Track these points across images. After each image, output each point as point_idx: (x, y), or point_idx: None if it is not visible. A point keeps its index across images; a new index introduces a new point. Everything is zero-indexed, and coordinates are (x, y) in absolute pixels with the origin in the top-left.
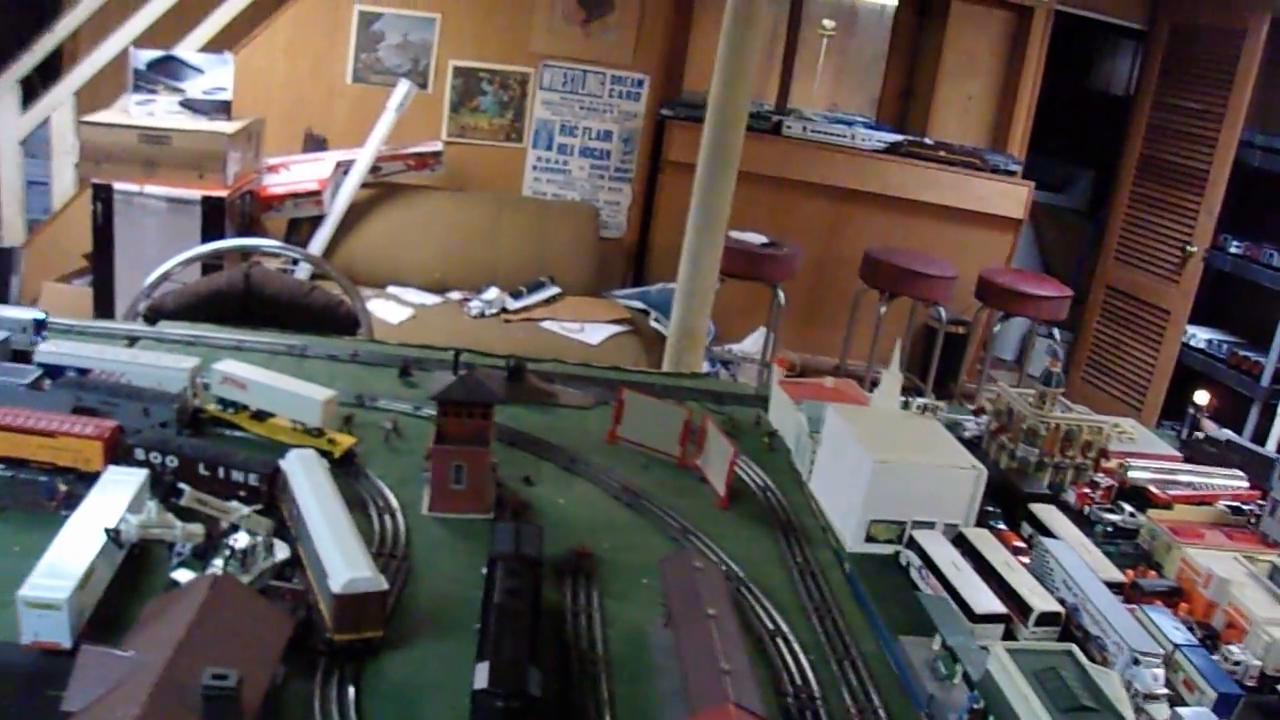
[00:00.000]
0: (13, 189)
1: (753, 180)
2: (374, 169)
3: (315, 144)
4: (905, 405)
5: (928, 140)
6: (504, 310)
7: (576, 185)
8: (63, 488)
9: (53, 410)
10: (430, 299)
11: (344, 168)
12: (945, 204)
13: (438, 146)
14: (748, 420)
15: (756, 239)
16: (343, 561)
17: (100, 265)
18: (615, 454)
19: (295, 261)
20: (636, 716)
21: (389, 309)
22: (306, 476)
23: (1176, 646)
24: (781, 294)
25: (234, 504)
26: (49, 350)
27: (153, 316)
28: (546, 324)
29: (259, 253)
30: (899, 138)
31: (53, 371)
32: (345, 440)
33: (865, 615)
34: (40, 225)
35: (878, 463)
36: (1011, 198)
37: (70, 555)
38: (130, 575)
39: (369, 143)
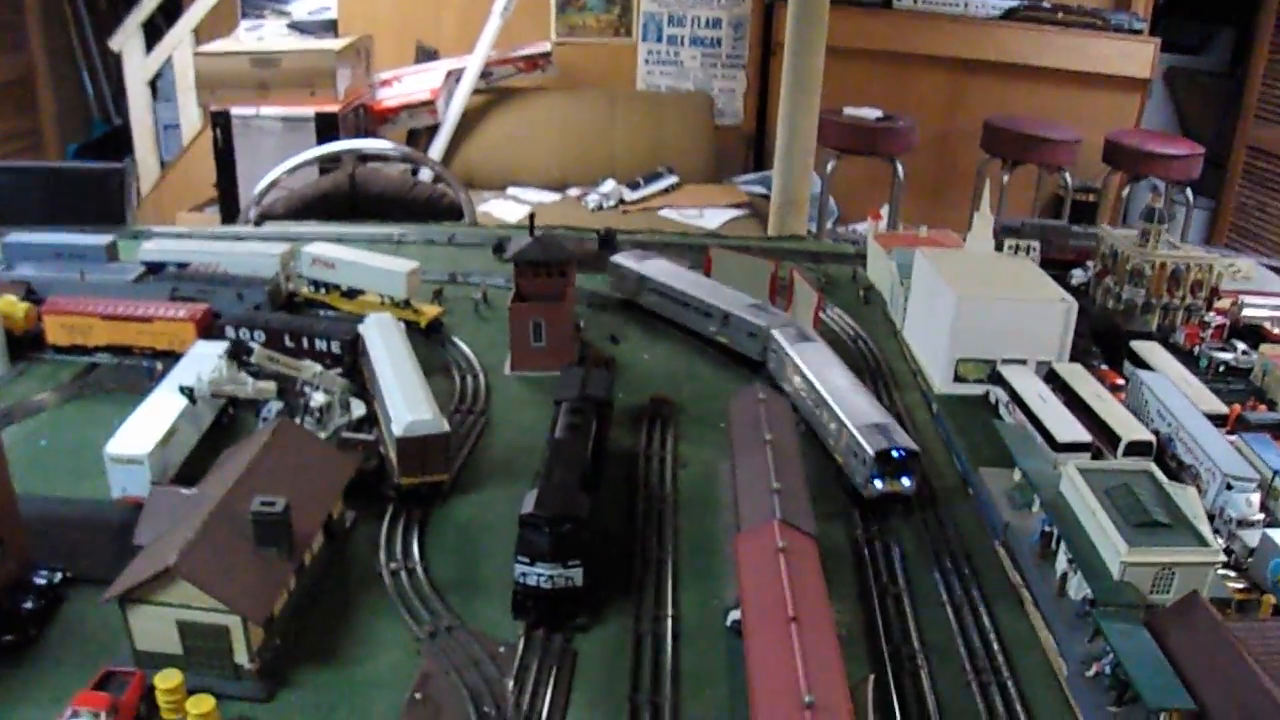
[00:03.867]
0: (144, 128)
1: (866, 56)
2: (485, 74)
3: (426, 56)
4: (999, 248)
5: (1045, 4)
6: (622, 202)
7: (690, 75)
8: (159, 368)
9: (152, 300)
10: (549, 196)
11: (455, 76)
12: (1067, 68)
13: (546, 47)
14: (844, 277)
15: (871, 113)
16: (406, 407)
17: (225, 187)
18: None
19: (415, 170)
20: (700, 548)
21: (508, 209)
22: (381, 337)
23: (1276, 473)
24: (900, 168)
25: (306, 362)
26: (151, 248)
27: (261, 221)
28: (665, 212)
29: (363, 154)
30: (1015, 2)
31: (154, 268)
32: (430, 310)
33: (949, 451)
34: (171, 162)
35: (962, 298)
36: (1136, 58)
37: (153, 416)
38: (222, 438)
39: (477, 49)
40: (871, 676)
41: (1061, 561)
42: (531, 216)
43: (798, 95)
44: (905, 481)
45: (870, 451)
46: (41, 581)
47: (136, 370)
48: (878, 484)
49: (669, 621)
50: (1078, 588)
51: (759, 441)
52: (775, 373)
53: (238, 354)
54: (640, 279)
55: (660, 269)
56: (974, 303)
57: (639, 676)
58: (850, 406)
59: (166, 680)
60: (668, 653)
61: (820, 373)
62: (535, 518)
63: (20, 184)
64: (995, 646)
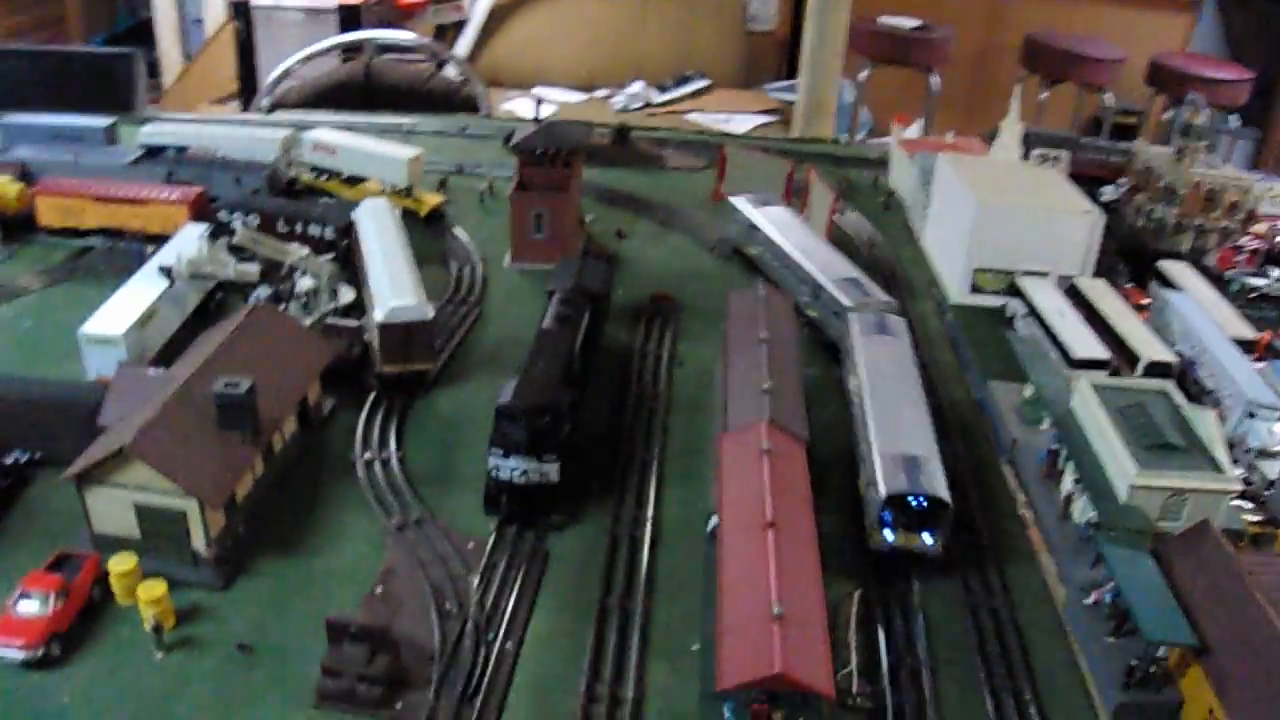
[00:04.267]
0: (168, 21)
1: None
2: None
3: None
4: (1026, 157)
5: None
6: (649, 104)
7: None
8: (150, 250)
9: (146, 183)
10: (575, 96)
11: None
12: None
13: None
14: (865, 182)
15: (908, 23)
16: (391, 293)
17: (246, 80)
18: (718, 211)
19: (441, 64)
20: (689, 450)
21: (533, 108)
22: (374, 223)
23: None
24: (936, 80)
25: (293, 246)
26: (150, 131)
27: (273, 110)
28: (692, 116)
29: (380, 45)
30: None
31: (153, 152)
32: (432, 199)
33: (960, 363)
34: (195, 55)
35: (982, 205)
36: None
37: (132, 298)
38: (209, 323)
39: None
40: (857, 592)
41: (1068, 482)
42: (538, 103)
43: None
44: (926, 538)
45: (881, 492)
46: (8, 462)
47: (128, 254)
48: (888, 535)
49: (648, 525)
50: (1083, 510)
51: (754, 341)
52: (844, 361)
53: (219, 235)
54: (750, 227)
55: (777, 218)
56: (994, 210)
57: (611, 580)
58: (888, 428)
59: (120, 564)
60: (644, 557)
61: (876, 377)
62: (511, 409)
63: (27, 68)
64: (992, 566)
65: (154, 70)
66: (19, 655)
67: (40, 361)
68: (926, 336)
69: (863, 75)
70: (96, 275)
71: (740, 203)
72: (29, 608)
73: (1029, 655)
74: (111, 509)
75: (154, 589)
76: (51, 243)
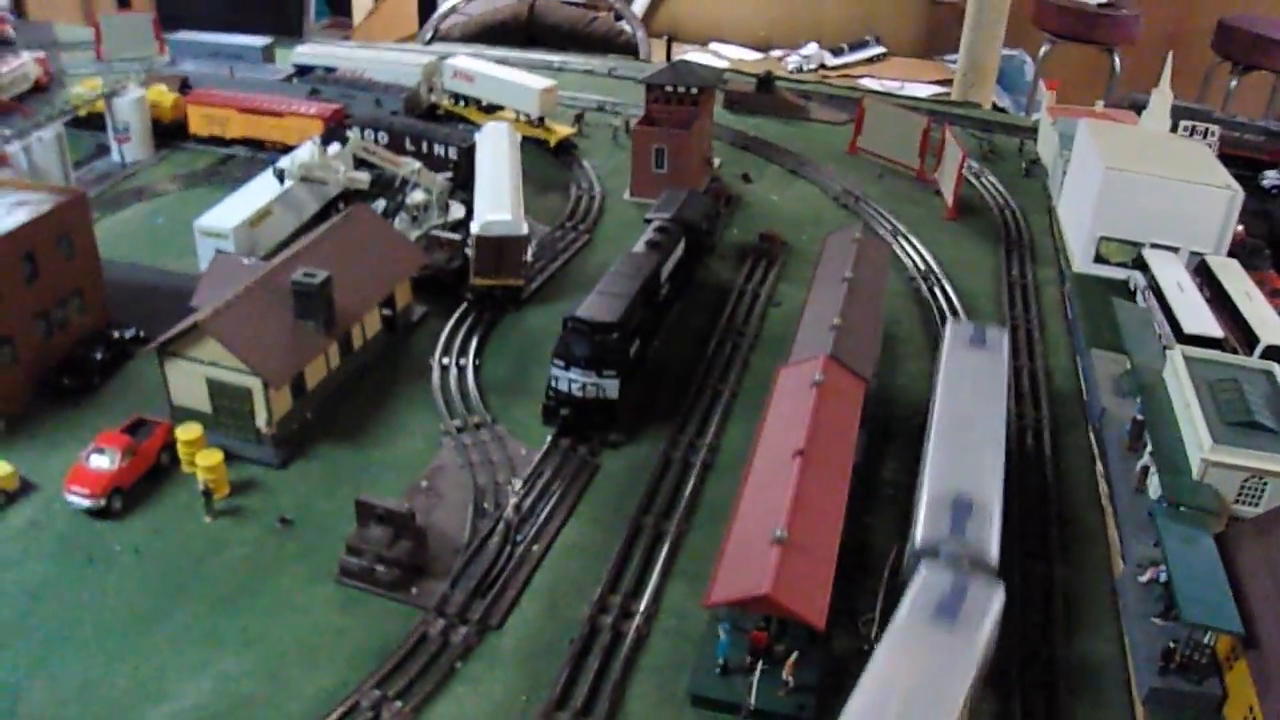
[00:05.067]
0: None
1: None
2: None
3: None
4: (1175, 130)
5: None
6: (822, 66)
7: None
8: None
9: (289, 97)
10: (750, 54)
11: None
12: None
13: None
14: (1010, 148)
15: None
16: (489, 208)
17: (425, 19)
18: (852, 164)
19: (616, 14)
20: (762, 382)
21: (707, 63)
22: (491, 144)
23: None
24: (1118, 60)
25: (406, 159)
26: (302, 51)
27: (432, 40)
28: (865, 81)
29: None
30: None
31: (304, 71)
32: (562, 130)
33: (1069, 331)
34: None
35: (1110, 171)
36: None
37: (248, 197)
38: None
39: None
40: (896, 547)
41: (1147, 454)
42: (670, 40)
43: None
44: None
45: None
46: (115, 336)
47: (266, 163)
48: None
49: (704, 452)
50: (1158, 485)
51: (838, 279)
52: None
53: (328, 141)
54: None
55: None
56: (1124, 177)
57: (653, 500)
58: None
59: (187, 432)
60: (690, 482)
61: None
62: (577, 322)
63: None
64: (1054, 534)
65: (347, 9)
66: (85, 503)
67: (165, 254)
68: (1040, 304)
69: (1043, 50)
70: (234, 181)
71: None
72: (99, 462)
73: (1073, 628)
74: (187, 382)
75: (210, 457)
76: (199, 150)
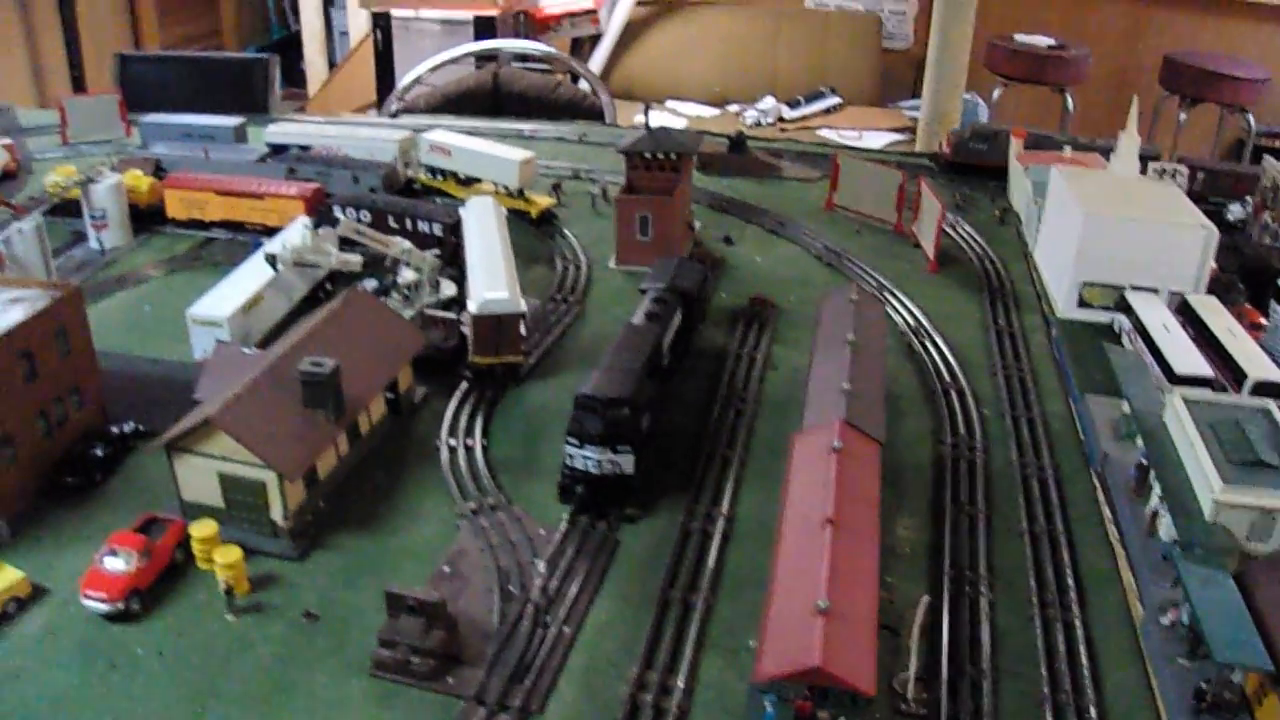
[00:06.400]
0: (314, 32)
1: None
2: None
3: None
4: (1143, 171)
5: None
6: (780, 119)
7: None
8: (265, 242)
9: (266, 179)
10: (708, 110)
11: None
12: (1262, 0)
13: None
14: (983, 196)
15: (1043, 41)
16: (484, 285)
17: (383, 89)
18: (830, 221)
19: (575, 78)
20: (771, 450)
21: (665, 121)
22: (478, 219)
23: None
24: (1070, 99)
25: (396, 238)
26: (274, 130)
27: (399, 114)
28: (824, 132)
29: (509, 54)
30: None
31: (278, 150)
32: (543, 201)
33: (1061, 377)
34: (338, 65)
35: (1090, 217)
36: None
37: (239, 283)
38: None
39: None
40: (926, 599)
41: (1154, 499)
42: (647, 109)
43: (952, 9)
44: None
45: None
46: (114, 432)
47: (247, 246)
48: None
49: (721, 521)
50: (1169, 528)
51: (841, 342)
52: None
53: (324, 225)
54: None
55: None
56: (1102, 222)
57: (678, 573)
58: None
59: (201, 529)
60: (712, 553)
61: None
62: (589, 399)
63: (169, 72)
64: (1069, 582)
65: (301, 80)
66: (102, 607)
67: (155, 342)
68: (1028, 352)
69: (996, 93)
70: (215, 265)
71: None
72: (114, 564)
73: (1099, 674)
74: (198, 477)
75: (229, 554)
76: (177, 234)
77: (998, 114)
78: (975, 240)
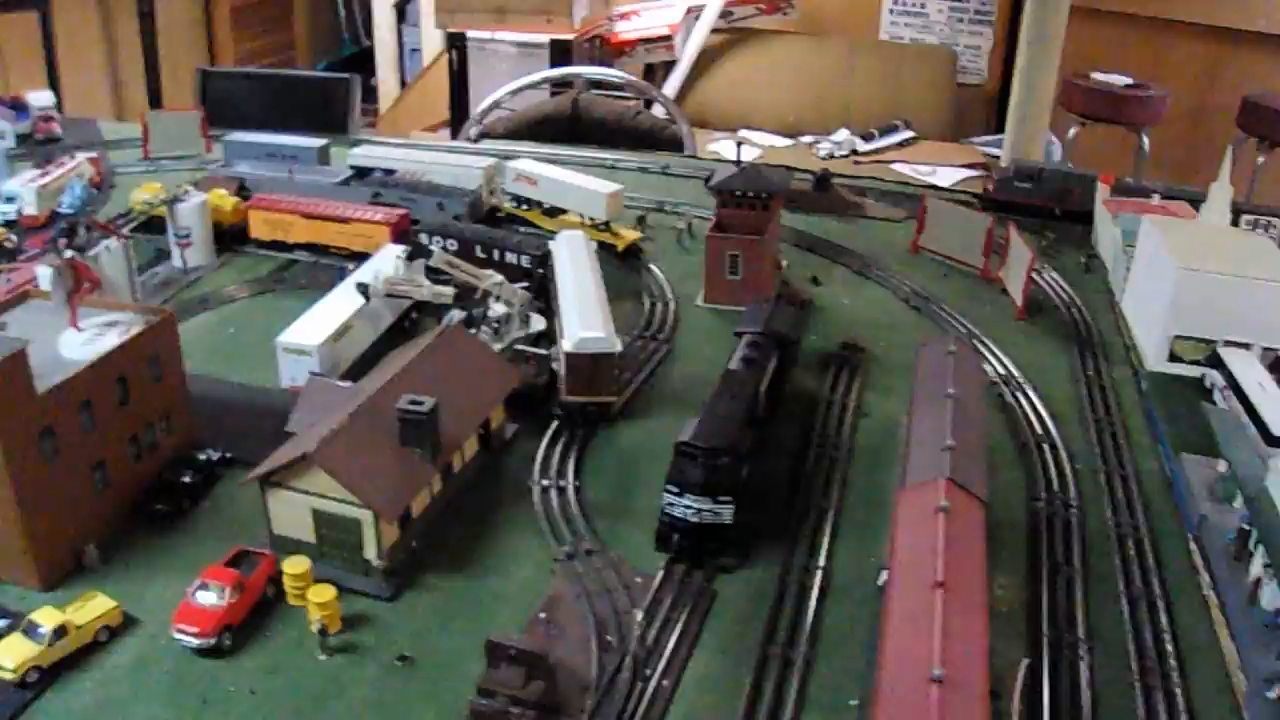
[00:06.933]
0: (387, 49)
1: (1122, 20)
2: (725, 14)
3: None
4: (1235, 222)
5: None
6: (854, 152)
7: (935, 28)
8: (351, 268)
9: (352, 203)
10: (781, 140)
11: (695, 13)
12: None
13: None
14: (1070, 240)
15: (1120, 80)
16: (579, 324)
17: (456, 109)
18: (916, 263)
19: (649, 103)
20: (867, 501)
21: (734, 149)
22: (569, 254)
23: None
24: (1146, 140)
25: (488, 272)
26: (359, 153)
27: (480, 139)
28: (897, 166)
29: (588, 81)
30: None
31: (362, 173)
32: (630, 235)
33: (1152, 433)
34: (410, 83)
35: (1184, 270)
36: None
37: (329, 312)
38: (403, 341)
39: None
40: (1025, 662)
41: (1257, 566)
42: (739, 145)
43: (1037, 51)
44: None
45: None
46: (202, 458)
47: (330, 270)
48: None
49: (819, 574)
50: (1272, 597)
51: (941, 395)
52: None
53: (417, 256)
54: None
55: None
56: (1197, 277)
57: (776, 627)
58: None
59: (294, 566)
60: (810, 606)
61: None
62: (690, 447)
63: (249, 89)
64: (1169, 648)
65: (372, 96)
66: (194, 642)
67: (240, 366)
68: (1120, 405)
69: (1072, 132)
70: (299, 288)
71: None
72: (206, 598)
73: None
74: (290, 512)
75: (324, 593)
76: (260, 255)
77: (1073, 152)
78: (1061, 287)
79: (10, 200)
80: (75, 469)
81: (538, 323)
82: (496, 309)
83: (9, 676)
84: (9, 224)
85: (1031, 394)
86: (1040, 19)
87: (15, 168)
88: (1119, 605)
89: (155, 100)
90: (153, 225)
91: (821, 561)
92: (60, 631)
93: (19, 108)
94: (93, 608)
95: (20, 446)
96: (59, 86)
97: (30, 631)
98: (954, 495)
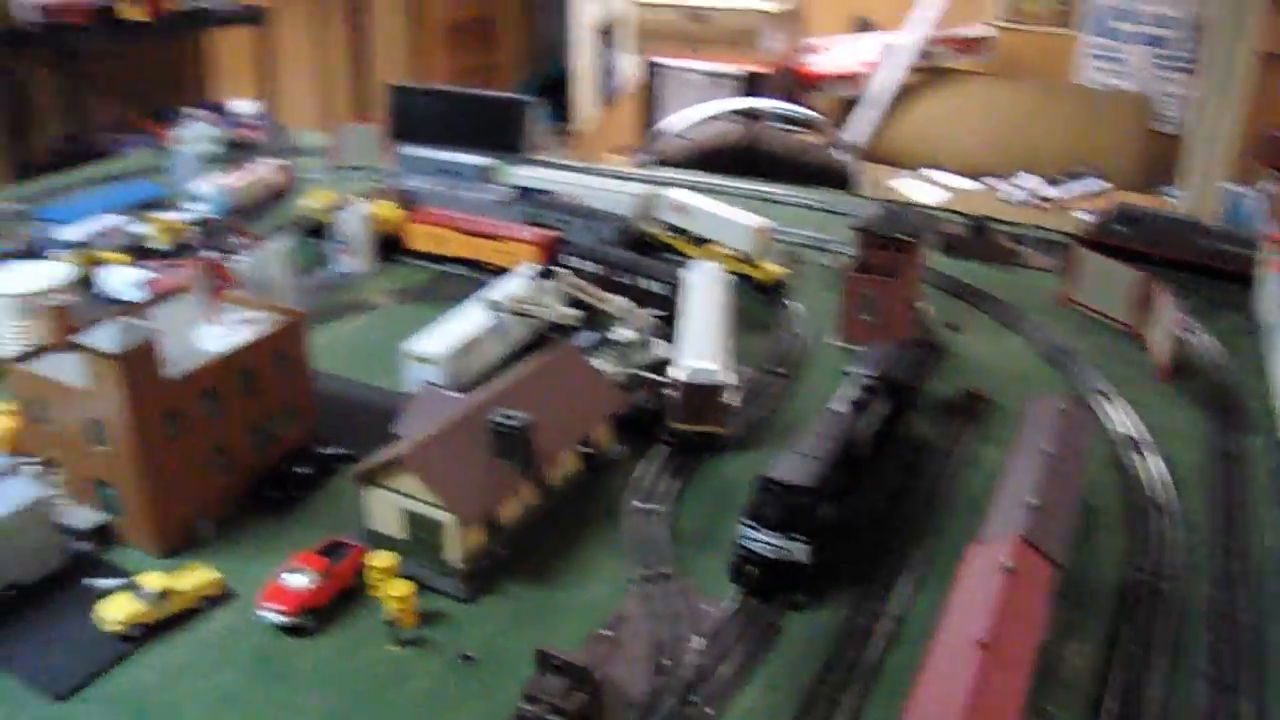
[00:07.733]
0: (586, 72)
1: None
2: (923, 53)
3: (863, 27)
4: None
5: None
6: (1042, 198)
7: (1133, 75)
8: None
9: (507, 221)
10: (965, 183)
11: (890, 51)
12: None
13: (986, 31)
14: (1229, 300)
15: None
16: (694, 354)
17: (649, 133)
18: (1062, 315)
19: (826, 141)
20: (955, 550)
21: (920, 190)
22: (702, 285)
23: None
24: None
25: (617, 297)
26: (519, 173)
27: (655, 164)
28: (1079, 214)
29: (759, 114)
30: None
31: (523, 193)
32: (775, 270)
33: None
34: (608, 106)
35: None
36: None
37: (460, 324)
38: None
39: (910, 27)
40: None
41: None
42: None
43: (1218, 94)
44: None
45: None
46: (319, 452)
47: (480, 284)
48: None
49: (888, 621)
50: None
51: (1037, 451)
52: None
53: (548, 276)
54: None
55: None
56: None
57: (832, 668)
58: None
59: (381, 560)
60: (871, 652)
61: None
62: (770, 483)
63: (434, 106)
64: None
65: (571, 117)
66: (278, 619)
67: (374, 369)
68: (1249, 478)
69: (1269, 188)
70: (447, 299)
71: None
72: (295, 580)
73: None
74: (384, 510)
75: (400, 587)
76: (415, 265)
77: (1275, 211)
78: (1212, 347)
79: (199, 200)
80: (198, 450)
81: (662, 349)
82: (623, 333)
83: (115, 629)
84: (198, 223)
85: (1153, 458)
86: (1221, 64)
87: (207, 169)
88: (1201, 686)
89: (361, 114)
90: (321, 231)
91: (894, 608)
92: (163, 595)
93: (223, 113)
94: (197, 577)
95: (148, 425)
96: (272, 96)
97: (138, 592)
98: (1023, 555)
